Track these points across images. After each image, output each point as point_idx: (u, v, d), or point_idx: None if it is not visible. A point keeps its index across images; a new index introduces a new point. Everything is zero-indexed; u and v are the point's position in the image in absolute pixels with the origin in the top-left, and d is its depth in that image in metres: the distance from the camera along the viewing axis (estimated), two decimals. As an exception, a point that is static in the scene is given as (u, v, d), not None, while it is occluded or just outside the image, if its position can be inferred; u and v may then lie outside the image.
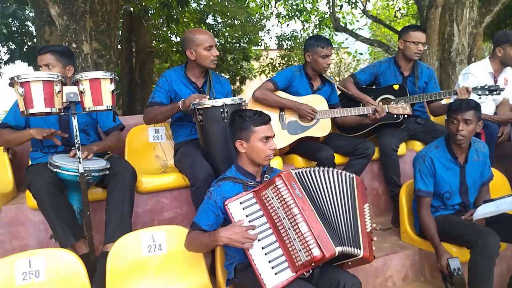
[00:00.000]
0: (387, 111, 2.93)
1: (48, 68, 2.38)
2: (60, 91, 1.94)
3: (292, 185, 1.77)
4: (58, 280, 1.92)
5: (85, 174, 2.07)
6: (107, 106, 2.01)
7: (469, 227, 2.36)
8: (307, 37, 12.41)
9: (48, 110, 1.91)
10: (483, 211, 2.35)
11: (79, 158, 2.03)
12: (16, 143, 2.38)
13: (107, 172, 2.25)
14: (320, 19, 11.34)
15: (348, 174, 1.98)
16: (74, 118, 2.02)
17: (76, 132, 2.03)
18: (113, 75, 2.03)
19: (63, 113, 2.00)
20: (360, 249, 1.81)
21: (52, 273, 1.92)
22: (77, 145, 2.03)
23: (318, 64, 3.01)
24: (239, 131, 1.93)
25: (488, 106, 3.39)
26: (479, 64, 3.56)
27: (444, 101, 3.35)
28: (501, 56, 3.38)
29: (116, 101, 2.18)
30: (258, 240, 1.76)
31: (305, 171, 1.90)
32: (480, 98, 3.06)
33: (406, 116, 3.04)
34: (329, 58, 3.02)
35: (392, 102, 3.18)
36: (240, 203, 1.83)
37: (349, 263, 1.90)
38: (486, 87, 3.02)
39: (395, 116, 3.02)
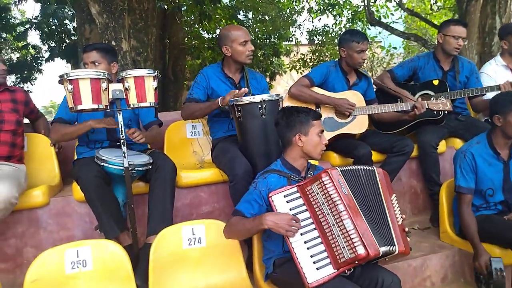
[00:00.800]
0: (427, 107, 2.86)
1: (94, 65, 2.46)
2: (106, 88, 2.02)
3: (338, 182, 1.78)
4: (104, 269, 2.00)
5: (130, 168, 2.15)
6: (150, 102, 2.08)
7: (512, 227, 2.29)
8: (339, 32, 12.36)
9: (95, 106, 2.00)
10: (530, 212, 2.27)
11: (124, 153, 2.11)
12: (75, 135, 2.44)
13: (150, 166, 2.32)
14: (353, 13, 11.13)
15: (368, 168, 1.95)
16: (120, 114, 2.10)
17: (121, 128, 2.10)
18: (156, 73, 2.09)
19: (109, 109, 2.07)
20: (394, 245, 1.79)
21: (98, 263, 2.00)
22: (122, 141, 2.11)
23: (353, 59, 2.98)
24: (299, 124, 1.97)
25: None
26: (490, 62, 3.52)
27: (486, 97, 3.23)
28: (507, 48, 3.33)
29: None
30: (301, 234, 1.78)
31: (351, 169, 1.91)
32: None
33: (446, 112, 2.95)
34: (365, 53, 2.98)
35: (432, 98, 3.10)
36: (284, 196, 1.85)
37: (386, 259, 1.88)
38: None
39: (435, 112, 2.93)
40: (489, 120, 2.53)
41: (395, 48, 13.14)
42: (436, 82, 3.20)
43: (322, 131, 1.99)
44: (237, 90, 2.41)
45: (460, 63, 3.26)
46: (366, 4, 8.43)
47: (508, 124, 2.34)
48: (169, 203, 2.29)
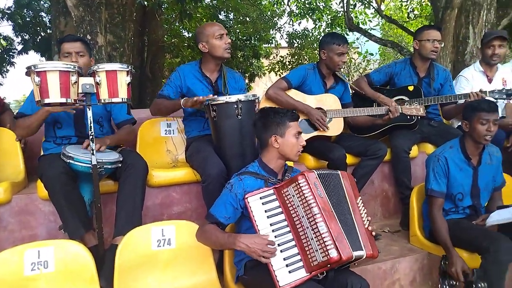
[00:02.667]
0: (401, 111, 2.90)
1: (78, 56, 2.41)
2: (76, 82, 1.95)
3: (314, 184, 1.78)
4: (67, 271, 1.93)
5: (98, 166, 2.07)
6: (122, 98, 2.01)
7: (481, 232, 2.33)
8: (318, 36, 12.47)
9: (63, 100, 1.91)
10: (497, 218, 2.32)
11: (92, 150, 2.04)
12: (35, 125, 2.38)
13: (120, 164, 2.25)
14: (333, 18, 11.26)
15: (332, 172, 1.95)
16: (89, 110, 2.02)
17: (90, 123, 2.03)
18: (129, 68, 2.03)
19: (78, 104, 2.00)
20: (362, 249, 1.79)
21: (60, 264, 1.93)
22: (90, 137, 2.03)
23: (333, 62, 2.98)
24: (275, 125, 1.95)
25: None
26: (469, 67, 3.66)
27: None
28: (481, 57, 3.51)
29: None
30: (275, 237, 1.76)
31: (328, 173, 1.90)
32: (497, 102, 3.01)
33: (419, 117, 3.00)
34: (345, 56, 2.99)
35: (406, 103, 3.15)
36: (260, 198, 1.83)
37: (355, 263, 1.88)
38: (504, 90, 2.98)
39: (408, 117, 2.98)
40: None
41: (371, 54, 13.38)
42: (411, 88, 3.25)
43: (299, 133, 1.97)
44: (196, 98, 2.36)
45: (435, 70, 3.33)
46: (345, 10, 8.53)
47: (473, 130, 2.41)
48: (138, 202, 2.23)
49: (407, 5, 10.56)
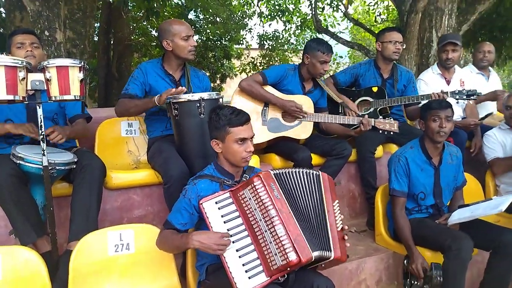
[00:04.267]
0: (373, 124, 2.87)
1: (33, 47, 2.29)
2: (24, 78, 1.82)
3: (270, 186, 1.71)
4: (16, 279, 1.82)
5: (50, 167, 1.96)
6: (75, 96, 1.90)
7: (444, 231, 2.37)
8: (288, 38, 12.55)
9: (10, 97, 1.78)
10: (458, 216, 2.36)
11: (43, 150, 1.92)
12: None
13: (74, 166, 2.14)
14: (302, 20, 11.35)
15: (314, 172, 1.91)
16: (39, 108, 1.90)
17: (41, 122, 1.91)
18: (82, 63, 1.92)
19: (27, 102, 1.87)
20: (330, 251, 1.75)
21: (9, 272, 1.81)
22: (41, 137, 1.91)
23: (315, 68, 2.96)
24: (215, 130, 1.85)
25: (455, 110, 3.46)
26: (428, 69, 3.79)
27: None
28: (438, 60, 3.67)
29: (92, 93, 2.08)
30: (233, 242, 1.70)
31: (285, 172, 1.84)
32: (457, 102, 3.09)
33: (392, 133, 2.91)
34: (327, 65, 2.97)
35: (370, 107, 3.18)
36: (216, 202, 1.76)
37: (323, 265, 1.85)
38: (464, 91, 3.06)
39: (380, 131, 2.92)
40: None
41: (341, 57, 13.62)
42: (375, 89, 3.29)
43: (243, 139, 1.81)
44: (174, 89, 2.27)
45: (399, 71, 3.38)
46: (313, 12, 8.61)
47: (428, 127, 2.47)
48: (94, 206, 2.12)
49: (374, 9, 10.79)
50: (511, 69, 15.54)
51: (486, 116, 3.70)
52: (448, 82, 3.57)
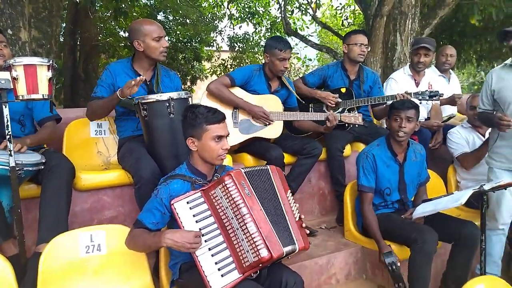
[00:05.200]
0: (340, 119, 2.95)
1: (2, 46, 2.24)
2: (-10, 77, 1.77)
3: (241, 184, 1.74)
4: (-19, 284, 1.75)
5: (17, 168, 1.90)
6: (43, 95, 1.86)
7: (409, 225, 2.48)
8: (258, 40, 12.62)
9: (-27, 96, 1.74)
10: (422, 210, 2.47)
11: (10, 151, 1.87)
12: None
13: (42, 167, 2.09)
14: (272, 23, 11.47)
15: (261, 167, 1.93)
16: (5, 107, 1.85)
17: (7, 122, 1.86)
18: (50, 62, 1.89)
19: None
20: (294, 244, 1.79)
21: (-27, 277, 1.74)
22: (7, 137, 1.86)
23: (275, 66, 3.00)
24: (191, 128, 1.85)
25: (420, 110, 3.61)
26: (399, 70, 3.93)
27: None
28: (410, 62, 3.80)
29: (58, 95, 2.04)
30: (205, 241, 1.71)
31: (255, 170, 1.87)
32: (421, 103, 3.23)
33: (357, 125, 3.03)
34: (286, 62, 3.00)
35: (339, 107, 3.27)
36: (187, 202, 1.76)
37: (288, 257, 1.87)
38: (427, 92, 3.20)
39: (346, 125, 3.03)
40: None
41: (310, 59, 13.83)
42: (343, 90, 3.39)
43: (219, 137, 1.84)
44: (133, 80, 2.22)
45: (365, 73, 3.49)
46: (283, 15, 8.74)
47: (390, 126, 2.59)
48: (63, 207, 2.08)
49: (341, 13, 11.05)
50: (470, 72, 16.28)
51: (449, 118, 3.87)
52: (417, 84, 3.70)
